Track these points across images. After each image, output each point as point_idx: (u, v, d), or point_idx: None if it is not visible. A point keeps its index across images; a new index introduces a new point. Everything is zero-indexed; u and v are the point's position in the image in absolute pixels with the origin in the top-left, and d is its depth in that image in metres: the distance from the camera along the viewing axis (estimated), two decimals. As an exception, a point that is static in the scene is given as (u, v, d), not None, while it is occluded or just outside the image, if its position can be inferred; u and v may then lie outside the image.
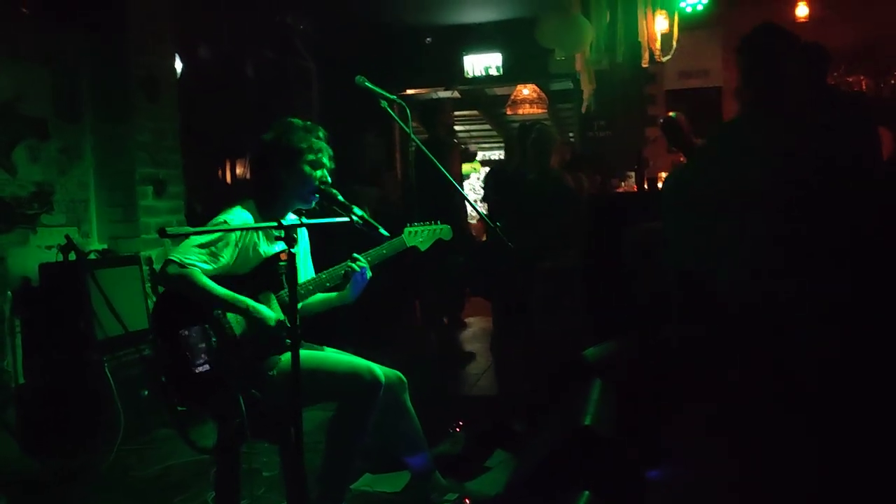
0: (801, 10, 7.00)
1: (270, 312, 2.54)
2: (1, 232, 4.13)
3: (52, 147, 4.52)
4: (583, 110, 7.13)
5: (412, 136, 3.19)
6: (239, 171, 6.47)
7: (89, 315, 4.01)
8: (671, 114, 5.31)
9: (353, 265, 2.75)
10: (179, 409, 2.48)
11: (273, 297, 2.65)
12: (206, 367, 2.45)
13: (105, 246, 4.76)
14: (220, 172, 6.40)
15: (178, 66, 5.36)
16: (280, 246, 2.62)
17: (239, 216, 2.64)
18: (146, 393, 4.17)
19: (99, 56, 4.79)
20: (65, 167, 4.62)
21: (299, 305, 2.74)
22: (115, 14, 4.74)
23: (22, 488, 3.44)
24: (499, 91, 10.87)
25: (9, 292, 4.11)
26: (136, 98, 4.81)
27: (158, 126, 4.98)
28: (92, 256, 4.38)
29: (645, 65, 6.31)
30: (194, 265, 2.47)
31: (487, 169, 10.27)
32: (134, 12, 4.81)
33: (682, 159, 5.30)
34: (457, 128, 15.10)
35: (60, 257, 4.10)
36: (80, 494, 3.42)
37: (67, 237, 4.14)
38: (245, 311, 2.51)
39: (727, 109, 7.62)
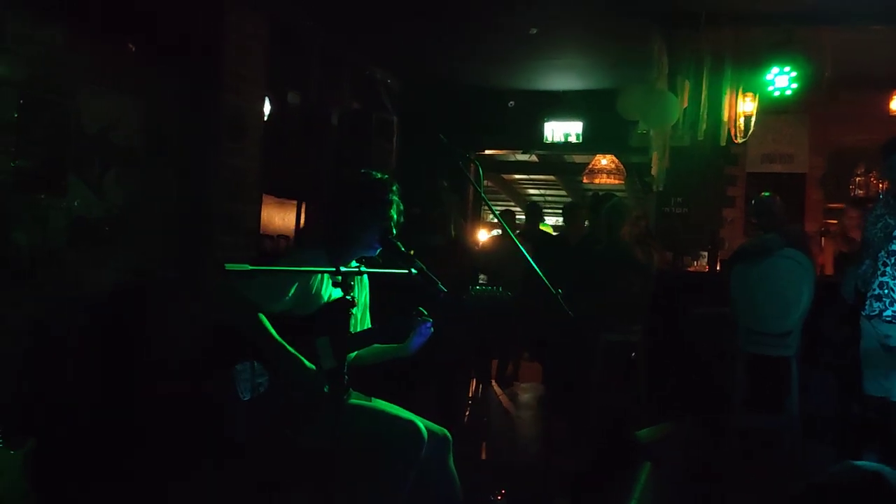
0: (896, 104, 6.74)
1: (311, 371, 2.48)
2: (83, 251, 4.31)
3: (137, 175, 4.72)
4: (654, 187, 7.03)
5: (482, 195, 3.36)
6: (312, 214, 6.60)
7: (150, 339, 4.12)
8: (765, 193, 5.07)
9: (419, 319, 2.74)
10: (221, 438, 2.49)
11: (328, 342, 2.65)
12: (253, 402, 2.45)
13: (176, 274, 4.90)
14: (294, 214, 6.55)
15: (267, 108, 5.55)
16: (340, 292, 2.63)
17: (305, 258, 2.67)
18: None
19: (192, 94, 5.02)
20: (148, 195, 4.81)
21: (353, 355, 2.74)
22: (212, 57, 4.97)
23: None
24: (577, 159, 10.90)
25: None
26: (222, 136, 5.01)
27: (240, 164, 5.15)
28: (162, 283, 4.52)
29: (723, 143, 6.20)
30: (259, 304, 2.50)
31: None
32: (230, 57, 5.04)
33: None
34: (531, 191, 15.26)
35: (133, 280, 4.24)
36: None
37: (141, 261, 4.29)
38: (289, 363, 2.47)
39: (810, 196, 7.41)
